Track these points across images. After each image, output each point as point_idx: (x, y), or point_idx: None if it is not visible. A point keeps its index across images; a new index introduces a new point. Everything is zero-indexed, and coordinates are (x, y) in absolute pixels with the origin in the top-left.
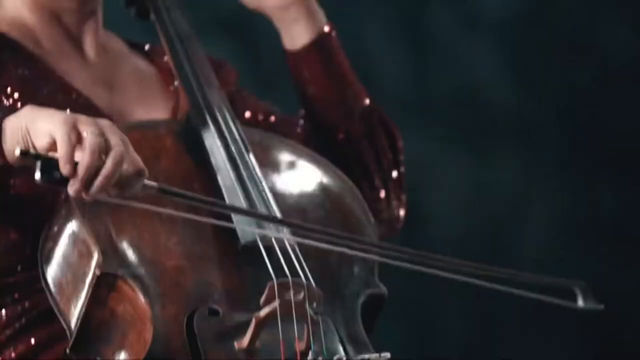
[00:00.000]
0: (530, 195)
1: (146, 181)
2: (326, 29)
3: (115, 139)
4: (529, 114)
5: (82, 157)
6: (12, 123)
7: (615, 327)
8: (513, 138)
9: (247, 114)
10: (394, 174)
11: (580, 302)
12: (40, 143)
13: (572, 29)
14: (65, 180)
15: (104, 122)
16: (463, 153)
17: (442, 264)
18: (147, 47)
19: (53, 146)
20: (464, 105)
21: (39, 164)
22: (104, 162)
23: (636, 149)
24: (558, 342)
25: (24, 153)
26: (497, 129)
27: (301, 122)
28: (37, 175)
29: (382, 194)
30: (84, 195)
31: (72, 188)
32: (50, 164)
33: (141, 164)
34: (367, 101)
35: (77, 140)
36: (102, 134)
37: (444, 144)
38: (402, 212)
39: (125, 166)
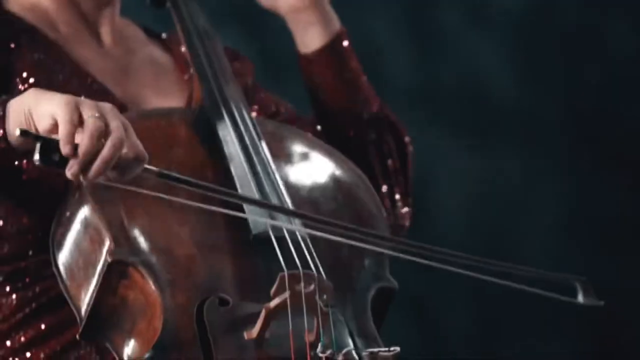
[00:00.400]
0: (533, 191)
1: (146, 165)
2: (340, 33)
3: (115, 123)
4: (534, 109)
5: (82, 140)
6: (16, 105)
7: (618, 325)
8: (517, 134)
9: (257, 108)
10: (401, 180)
11: (580, 298)
12: (43, 125)
13: (579, 25)
14: (64, 163)
15: (106, 106)
16: (467, 148)
17: (447, 257)
18: (164, 35)
19: (55, 129)
20: (469, 100)
21: (38, 145)
22: (103, 146)
23: None
24: (559, 340)
25: (24, 133)
26: (501, 124)
27: (312, 123)
28: (36, 157)
29: (387, 202)
30: (81, 178)
31: (70, 170)
32: (50, 146)
33: (142, 148)
34: (377, 107)
35: (78, 122)
36: (103, 117)
37: (448, 138)
38: (407, 220)
39: (124, 150)
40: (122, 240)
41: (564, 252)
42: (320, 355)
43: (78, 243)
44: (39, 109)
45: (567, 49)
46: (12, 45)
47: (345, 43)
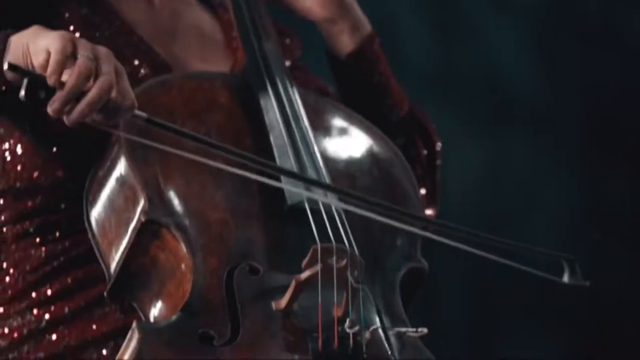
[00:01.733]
0: (543, 180)
1: (136, 111)
2: (370, 36)
3: (107, 67)
4: (550, 99)
5: (69, 77)
6: (16, 41)
7: (618, 319)
8: (531, 123)
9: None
10: (428, 185)
11: (566, 278)
12: (37, 59)
13: (599, 15)
14: (48, 101)
15: (102, 49)
16: (478, 133)
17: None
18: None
19: (48, 64)
20: (485, 86)
21: (25, 80)
22: (91, 88)
23: None
24: (557, 328)
25: (12, 67)
26: (515, 112)
27: None
28: (22, 92)
29: None
30: (65, 118)
31: (52, 106)
32: (37, 82)
33: (132, 96)
34: (407, 110)
35: (71, 55)
36: (95, 59)
37: (460, 122)
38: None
39: (113, 95)
40: (157, 200)
41: (571, 242)
42: (348, 330)
43: (112, 200)
44: (36, 43)
45: (586, 40)
46: None
47: (375, 46)
